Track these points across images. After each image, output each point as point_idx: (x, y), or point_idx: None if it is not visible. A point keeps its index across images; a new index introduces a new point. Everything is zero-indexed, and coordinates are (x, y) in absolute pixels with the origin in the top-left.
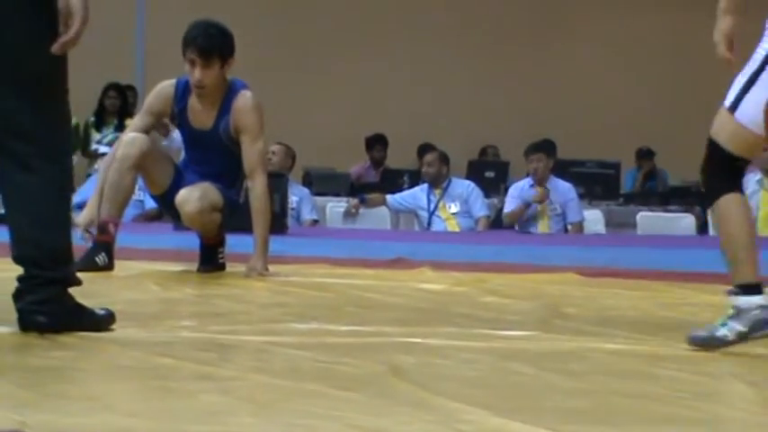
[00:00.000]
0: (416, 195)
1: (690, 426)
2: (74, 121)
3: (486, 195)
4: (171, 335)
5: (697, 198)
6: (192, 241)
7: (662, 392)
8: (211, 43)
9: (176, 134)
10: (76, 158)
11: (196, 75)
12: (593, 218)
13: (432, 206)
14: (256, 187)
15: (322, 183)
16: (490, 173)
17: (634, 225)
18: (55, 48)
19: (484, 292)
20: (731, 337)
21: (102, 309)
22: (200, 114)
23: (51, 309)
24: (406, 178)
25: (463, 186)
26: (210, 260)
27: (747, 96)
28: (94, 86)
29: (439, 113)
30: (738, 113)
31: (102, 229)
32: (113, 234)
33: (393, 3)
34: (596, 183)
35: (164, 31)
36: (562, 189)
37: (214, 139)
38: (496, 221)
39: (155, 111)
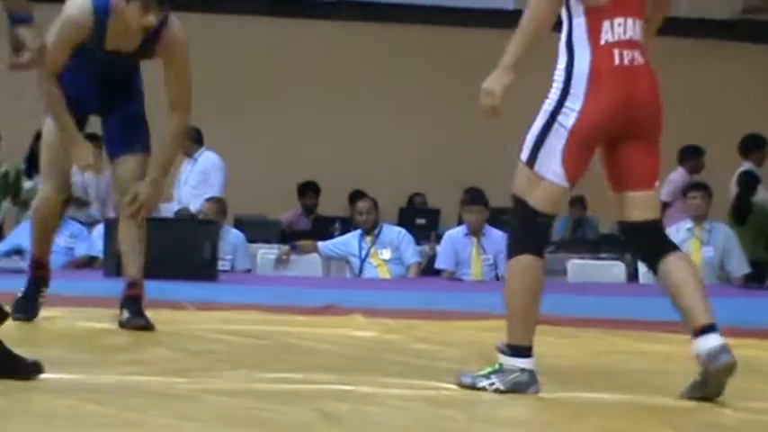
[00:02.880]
0: (348, 242)
1: None
2: (4, 168)
3: (417, 242)
4: (101, 382)
5: (627, 246)
6: (121, 288)
7: None
8: None
9: None
10: (7, 205)
11: (151, 20)
12: None
13: (363, 253)
14: (175, 123)
15: (253, 230)
16: (421, 220)
17: (564, 272)
18: (9, 66)
19: (415, 340)
20: (489, 391)
21: (29, 358)
22: (123, 39)
23: None
24: (337, 225)
25: (394, 233)
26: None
27: (543, 149)
28: (26, 133)
29: (368, 161)
30: (537, 166)
31: (39, 264)
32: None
33: (323, 54)
34: None
35: None
36: (496, 239)
37: (128, 60)
38: (428, 268)
39: (75, 44)
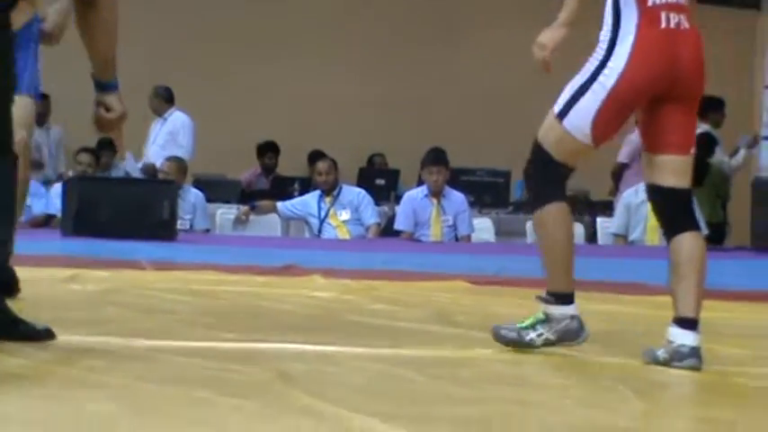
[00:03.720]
0: (307, 202)
1: None
2: None
3: (377, 203)
4: (59, 342)
5: (586, 207)
6: (79, 246)
7: (550, 400)
8: None
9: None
10: None
11: None
12: (483, 226)
13: (323, 213)
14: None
15: (212, 189)
16: (380, 180)
17: (523, 233)
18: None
19: (374, 300)
20: (538, 342)
21: (41, 325)
22: None
23: None
24: (296, 185)
25: (354, 194)
26: None
27: (577, 105)
28: None
29: (328, 121)
30: (566, 121)
31: None
32: None
33: (281, 16)
34: (486, 191)
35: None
36: (455, 200)
37: None
38: (387, 229)
39: None
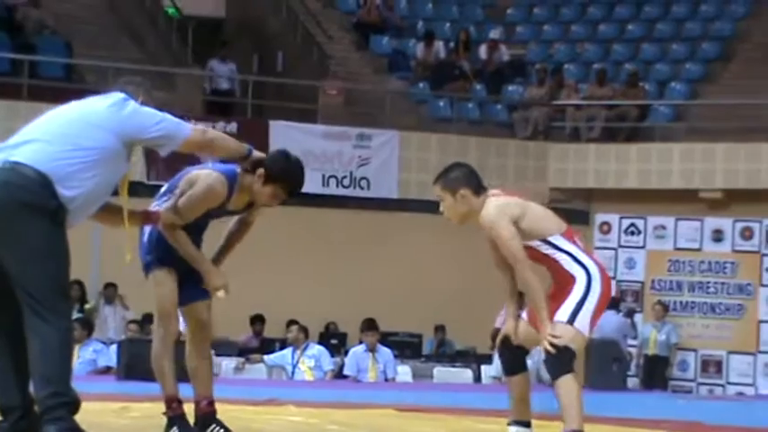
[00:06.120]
0: (285, 355)
1: None
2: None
3: (332, 355)
4: None
5: (474, 358)
6: (129, 387)
7: None
8: None
9: None
10: None
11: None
12: (404, 371)
13: (295, 362)
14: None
15: (219, 348)
16: (334, 340)
17: (432, 376)
18: None
19: (329, 423)
20: None
21: None
22: (237, 200)
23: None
24: (277, 344)
25: (316, 349)
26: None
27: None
28: None
29: (298, 302)
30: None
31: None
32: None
33: (266, 230)
34: (406, 347)
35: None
36: (385, 353)
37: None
38: (339, 373)
39: (210, 207)
